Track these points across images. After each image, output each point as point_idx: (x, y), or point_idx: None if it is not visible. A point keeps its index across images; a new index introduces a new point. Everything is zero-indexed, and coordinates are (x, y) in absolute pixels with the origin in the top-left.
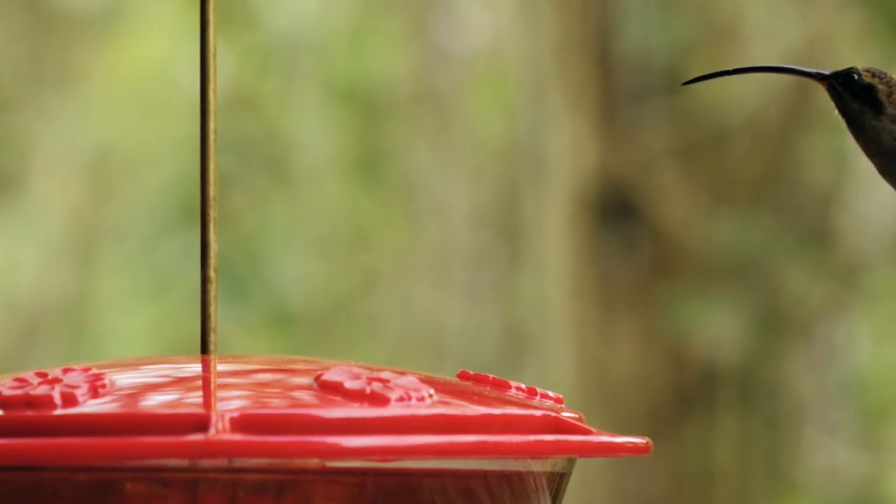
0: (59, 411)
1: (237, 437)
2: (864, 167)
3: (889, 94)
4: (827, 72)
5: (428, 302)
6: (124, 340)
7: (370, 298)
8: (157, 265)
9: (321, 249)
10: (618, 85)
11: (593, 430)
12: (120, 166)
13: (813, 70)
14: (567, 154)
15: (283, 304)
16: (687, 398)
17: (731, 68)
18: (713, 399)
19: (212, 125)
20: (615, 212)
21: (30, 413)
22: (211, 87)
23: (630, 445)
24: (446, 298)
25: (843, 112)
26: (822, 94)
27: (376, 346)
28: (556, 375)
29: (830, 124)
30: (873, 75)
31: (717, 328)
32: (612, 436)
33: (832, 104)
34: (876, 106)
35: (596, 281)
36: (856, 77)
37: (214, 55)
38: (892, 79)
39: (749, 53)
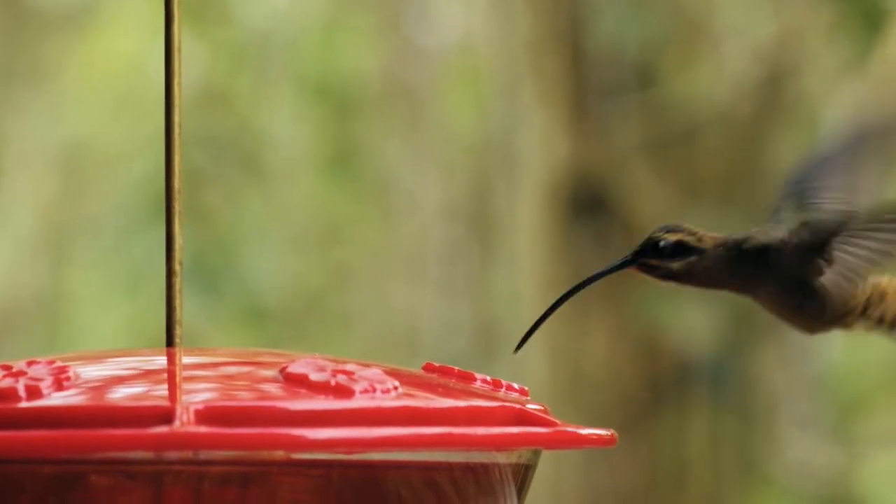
0: (23, 404)
1: (202, 429)
2: None
3: (699, 239)
4: (629, 256)
5: (401, 297)
6: (98, 336)
7: (343, 294)
8: (129, 261)
9: (294, 245)
10: (590, 80)
11: (558, 421)
12: (92, 162)
13: (618, 261)
14: (539, 149)
15: (257, 299)
16: (659, 392)
17: (546, 312)
18: (686, 393)
19: (176, 118)
20: (587, 207)
21: None
22: (176, 80)
23: (595, 437)
24: (419, 294)
25: (671, 277)
26: (793, 88)
27: (350, 341)
28: (528, 370)
29: (802, 119)
30: (674, 231)
31: (690, 322)
32: (577, 427)
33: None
34: (694, 252)
35: (568, 276)
36: (662, 244)
37: (179, 49)
38: (689, 227)
39: (721, 49)
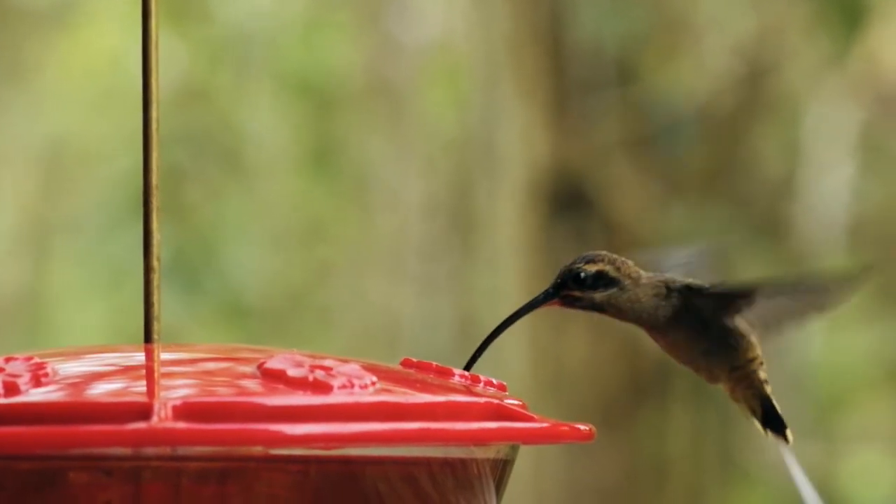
0: (0, 400)
1: (180, 424)
2: (816, 158)
3: (618, 269)
4: (551, 289)
5: (382, 293)
6: (78, 333)
7: (324, 290)
8: (110, 258)
9: (275, 241)
10: (570, 76)
11: (535, 416)
12: (73, 159)
13: (540, 295)
14: (519, 145)
15: (238, 296)
16: (640, 389)
17: (479, 347)
18: (667, 390)
19: (154, 114)
20: (568, 203)
21: None
22: (153, 76)
23: (572, 432)
24: (400, 290)
25: (594, 307)
26: (774, 84)
27: (331, 337)
28: (509, 366)
29: (782, 115)
30: (594, 262)
31: None
32: (554, 422)
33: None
34: (615, 284)
35: (548, 272)
36: (582, 275)
37: (157, 44)
38: (608, 255)
39: (701, 44)
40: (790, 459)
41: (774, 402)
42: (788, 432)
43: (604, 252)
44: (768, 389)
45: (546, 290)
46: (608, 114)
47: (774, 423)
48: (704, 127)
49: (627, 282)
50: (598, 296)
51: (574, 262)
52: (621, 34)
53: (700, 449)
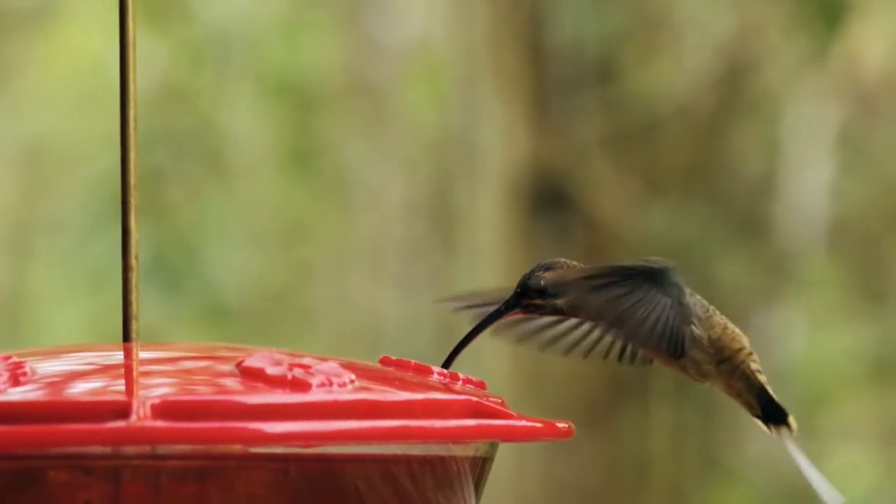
0: None
1: (159, 423)
2: (796, 156)
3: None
4: (511, 300)
5: (363, 294)
6: (59, 334)
7: (306, 291)
8: (91, 258)
9: (256, 242)
10: (550, 75)
11: (514, 414)
12: (54, 160)
13: (501, 306)
14: (500, 144)
15: (219, 297)
16: (621, 387)
17: (458, 345)
18: (648, 388)
19: (132, 114)
20: (548, 202)
21: None
22: (131, 75)
23: (551, 430)
24: (382, 290)
25: (556, 312)
26: (753, 82)
27: (312, 338)
28: (490, 365)
29: (762, 113)
30: (551, 269)
31: None
32: (533, 420)
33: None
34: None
35: None
36: (543, 283)
37: (134, 43)
38: (565, 262)
39: (681, 43)
40: (793, 449)
41: (770, 391)
42: (791, 419)
43: (561, 259)
44: (763, 379)
45: (507, 301)
46: (588, 113)
47: (775, 413)
48: (684, 125)
49: (584, 282)
50: (560, 301)
51: (532, 271)
52: (601, 33)
53: (681, 447)
